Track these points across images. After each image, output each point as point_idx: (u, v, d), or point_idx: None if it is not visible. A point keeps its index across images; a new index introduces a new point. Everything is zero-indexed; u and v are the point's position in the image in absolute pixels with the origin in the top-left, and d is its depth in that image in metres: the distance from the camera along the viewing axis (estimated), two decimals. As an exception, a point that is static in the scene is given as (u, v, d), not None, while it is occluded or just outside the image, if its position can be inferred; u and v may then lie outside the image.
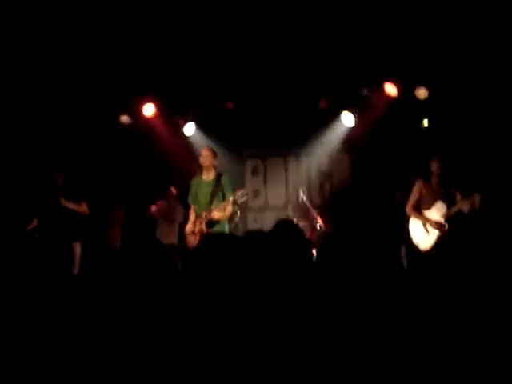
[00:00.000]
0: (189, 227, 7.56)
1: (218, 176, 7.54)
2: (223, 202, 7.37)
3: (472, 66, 8.41)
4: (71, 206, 7.42)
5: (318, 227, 9.07)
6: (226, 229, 7.44)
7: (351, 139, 9.93)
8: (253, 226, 10.11)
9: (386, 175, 9.42)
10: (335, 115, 9.68)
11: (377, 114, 9.38)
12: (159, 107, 9.32)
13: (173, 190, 9.32)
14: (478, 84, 8.54)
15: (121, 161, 9.43)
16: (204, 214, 7.37)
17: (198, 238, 7.24)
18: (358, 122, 9.54)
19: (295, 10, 7.96)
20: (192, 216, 7.60)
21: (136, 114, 9.29)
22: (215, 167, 7.62)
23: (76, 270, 7.16)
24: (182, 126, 9.48)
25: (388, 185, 9.24)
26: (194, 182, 7.69)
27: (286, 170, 10.44)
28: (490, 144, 8.64)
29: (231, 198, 7.32)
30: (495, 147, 8.60)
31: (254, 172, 10.46)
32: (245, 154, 10.43)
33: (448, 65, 8.56)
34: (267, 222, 10.02)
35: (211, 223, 7.33)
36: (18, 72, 8.16)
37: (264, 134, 10.03)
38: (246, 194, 7.56)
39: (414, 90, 8.95)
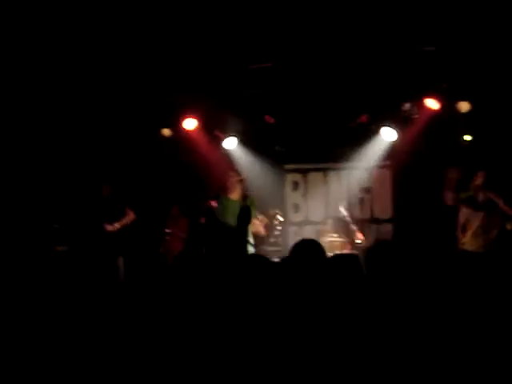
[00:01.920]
0: None
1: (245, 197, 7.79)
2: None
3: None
4: (116, 226, 7.58)
5: (358, 242, 9.04)
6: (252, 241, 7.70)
7: (392, 155, 9.87)
8: (294, 239, 10.07)
9: (428, 191, 9.32)
10: (376, 130, 9.63)
11: (418, 129, 9.32)
12: (200, 121, 9.41)
13: (213, 203, 9.36)
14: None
15: (161, 172, 9.57)
16: None
17: None
18: (399, 137, 9.49)
19: (338, 23, 7.99)
20: None
21: (177, 127, 9.40)
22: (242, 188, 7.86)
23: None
24: (222, 140, 9.56)
25: (430, 200, 9.16)
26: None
27: (327, 185, 10.43)
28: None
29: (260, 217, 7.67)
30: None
31: (295, 187, 10.48)
32: (285, 168, 10.45)
33: (490, 79, 8.49)
34: (308, 236, 10.00)
35: None
36: (65, 84, 8.36)
37: (304, 149, 10.07)
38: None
39: (455, 104, 8.88)
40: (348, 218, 9.34)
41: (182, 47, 8.29)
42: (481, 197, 7.75)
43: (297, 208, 10.42)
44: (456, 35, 8.04)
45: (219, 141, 9.59)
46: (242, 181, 7.94)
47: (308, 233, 10.12)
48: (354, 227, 9.22)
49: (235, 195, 7.81)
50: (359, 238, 9.09)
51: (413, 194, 9.70)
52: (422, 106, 9.12)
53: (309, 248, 3.80)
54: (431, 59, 8.54)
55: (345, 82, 9.05)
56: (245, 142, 9.77)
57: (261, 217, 7.95)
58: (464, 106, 8.81)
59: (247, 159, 9.75)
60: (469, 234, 7.68)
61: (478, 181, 7.71)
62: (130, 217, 7.89)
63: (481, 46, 8.09)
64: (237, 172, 8.08)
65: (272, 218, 7.93)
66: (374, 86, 9.03)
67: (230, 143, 9.63)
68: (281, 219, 9.07)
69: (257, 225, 7.80)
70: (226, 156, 9.65)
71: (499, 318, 3.15)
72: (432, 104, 9.02)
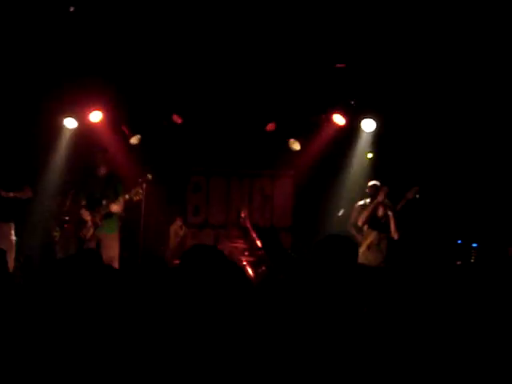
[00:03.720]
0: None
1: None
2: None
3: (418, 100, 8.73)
4: (10, 194, 7.37)
5: (257, 249, 9.11)
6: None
7: (295, 164, 10.03)
8: (191, 242, 10.05)
9: (328, 200, 9.57)
10: (282, 140, 9.75)
11: (323, 142, 9.53)
12: (106, 115, 9.19)
13: None
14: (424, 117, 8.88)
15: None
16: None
17: None
18: (303, 148, 9.65)
19: (255, 31, 8.05)
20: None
21: (82, 119, 9.14)
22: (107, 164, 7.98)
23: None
24: (129, 136, 9.39)
25: (332, 208, 9.41)
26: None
27: (229, 190, 10.46)
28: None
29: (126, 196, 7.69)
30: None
31: (197, 188, 10.43)
32: (188, 169, 10.39)
33: (397, 98, 8.85)
34: (205, 239, 10.02)
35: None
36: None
37: (209, 152, 10.06)
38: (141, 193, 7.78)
39: (360, 121, 9.15)
40: (248, 225, 9.40)
41: (93, 39, 8.12)
42: (380, 212, 8.04)
43: (197, 210, 10.38)
44: (367, 54, 8.31)
45: (125, 136, 9.40)
46: (147, 180, 7.90)
47: (207, 236, 10.11)
48: (253, 234, 9.29)
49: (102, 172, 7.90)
50: (258, 246, 9.16)
51: (311, 205, 9.90)
52: (328, 120, 9.33)
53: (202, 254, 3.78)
54: (341, 76, 8.78)
55: (256, 90, 9.13)
56: (151, 139, 9.64)
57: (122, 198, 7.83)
58: (368, 125, 9.08)
59: (152, 157, 9.60)
60: (363, 248, 7.92)
61: (380, 197, 7.99)
62: (27, 193, 7.66)
63: (390, 66, 8.40)
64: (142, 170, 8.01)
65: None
66: (284, 97, 9.16)
67: (136, 139, 9.47)
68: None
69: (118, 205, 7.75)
70: (132, 151, 9.46)
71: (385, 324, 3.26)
72: (338, 119, 9.24)
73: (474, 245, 8.68)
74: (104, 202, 7.69)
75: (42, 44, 8.08)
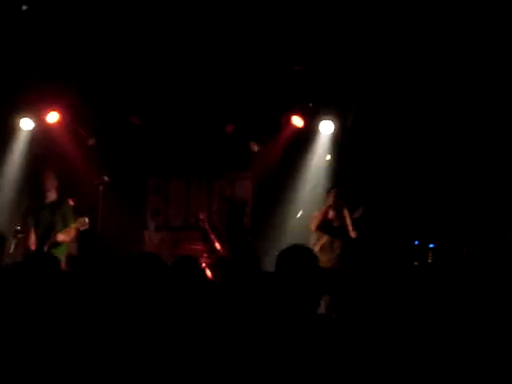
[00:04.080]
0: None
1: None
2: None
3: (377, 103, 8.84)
4: None
5: (216, 251, 9.12)
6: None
7: (254, 166, 10.02)
8: (148, 244, 10.00)
9: (286, 202, 9.60)
10: (241, 142, 9.74)
11: (282, 144, 9.56)
12: (63, 115, 9.05)
13: None
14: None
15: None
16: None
17: None
18: (262, 149, 9.65)
19: (213, 33, 8.04)
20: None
21: (39, 119, 8.99)
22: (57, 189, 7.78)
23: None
24: (87, 138, 9.26)
25: (291, 210, 9.44)
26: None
27: (188, 192, 10.39)
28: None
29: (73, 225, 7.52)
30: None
31: (156, 190, 10.34)
32: (147, 172, 10.30)
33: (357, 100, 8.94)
34: (165, 241, 9.97)
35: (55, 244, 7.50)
36: None
37: (168, 155, 9.99)
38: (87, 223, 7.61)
39: (319, 123, 9.20)
40: (207, 227, 9.40)
41: (50, 39, 8.01)
42: (330, 215, 8.15)
43: (156, 212, 10.30)
44: (326, 57, 8.37)
45: (82, 138, 9.27)
46: (104, 182, 7.84)
47: (166, 238, 10.04)
48: (212, 236, 9.29)
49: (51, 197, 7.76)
50: (217, 248, 9.17)
51: (270, 206, 9.91)
52: (287, 122, 9.35)
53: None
54: (300, 78, 8.81)
55: (215, 92, 9.10)
56: (108, 141, 9.54)
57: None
58: (326, 127, 9.13)
59: (110, 159, 9.49)
60: (316, 249, 7.96)
61: (329, 199, 8.13)
62: None
63: (350, 68, 8.48)
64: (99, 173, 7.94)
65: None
66: (243, 98, 9.16)
67: (93, 141, 9.34)
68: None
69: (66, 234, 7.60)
70: (89, 153, 9.33)
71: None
72: (297, 121, 9.27)
73: (431, 245, 8.81)
74: (52, 233, 7.52)
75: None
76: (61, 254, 7.35)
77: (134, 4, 7.59)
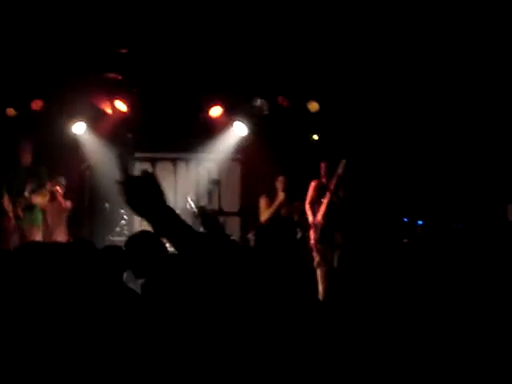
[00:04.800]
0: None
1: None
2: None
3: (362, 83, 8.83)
4: None
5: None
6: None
7: (242, 149, 10.00)
8: (138, 228, 9.94)
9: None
10: (228, 124, 9.70)
11: (269, 125, 9.54)
12: (48, 103, 8.99)
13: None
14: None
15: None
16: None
17: None
18: (250, 132, 9.63)
19: (195, 15, 8.01)
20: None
21: (24, 107, 8.91)
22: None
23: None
24: (71, 125, 9.19)
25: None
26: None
27: (175, 175, 10.35)
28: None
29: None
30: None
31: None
32: (134, 156, 10.22)
33: (338, 81, 8.91)
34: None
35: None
36: None
37: (155, 137, 9.93)
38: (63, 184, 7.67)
39: (305, 103, 9.18)
40: (195, 210, 9.36)
41: (37, 26, 7.95)
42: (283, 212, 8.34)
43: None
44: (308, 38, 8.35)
45: (68, 124, 9.20)
46: (89, 167, 7.82)
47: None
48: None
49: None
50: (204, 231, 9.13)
51: (259, 189, 9.88)
52: (273, 104, 9.33)
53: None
54: (284, 59, 8.79)
55: (200, 74, 9.06)
56: (94, 127, 9.47)
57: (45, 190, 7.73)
58: (313, 106, 9.12)
59: (96, 145, 9.43)
60: None
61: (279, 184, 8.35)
62: None
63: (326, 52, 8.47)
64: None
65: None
66: (229, 80, 9.13)
67: (79, 128, 9.28)
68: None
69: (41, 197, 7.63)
70: (74, 140, 9.27)
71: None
72: (282, 102, 9.25)
73: (420, 222, 8.84)
74: (26, 194, 7.48)
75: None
76: (37, 217, 7.60)
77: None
